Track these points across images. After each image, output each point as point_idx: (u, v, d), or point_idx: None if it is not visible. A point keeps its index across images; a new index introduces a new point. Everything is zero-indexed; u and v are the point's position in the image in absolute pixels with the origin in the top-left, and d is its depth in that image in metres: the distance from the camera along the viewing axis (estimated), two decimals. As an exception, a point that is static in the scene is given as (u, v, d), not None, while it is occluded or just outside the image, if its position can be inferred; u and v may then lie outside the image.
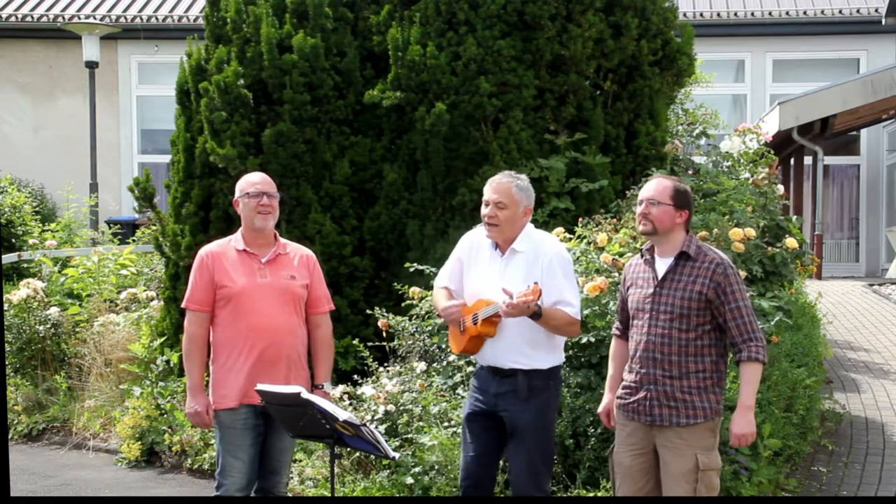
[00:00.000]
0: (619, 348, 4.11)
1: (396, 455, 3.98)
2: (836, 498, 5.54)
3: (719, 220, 6.02)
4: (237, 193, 4.34)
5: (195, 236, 6.95)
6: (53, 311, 8.17)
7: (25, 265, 10.35)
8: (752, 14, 16.49)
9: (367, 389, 5.75)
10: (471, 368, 5.53)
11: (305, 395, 3.79)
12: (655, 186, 3.91)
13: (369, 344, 6.21)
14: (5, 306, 7.99)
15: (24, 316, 8.06)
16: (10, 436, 7.39)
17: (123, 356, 7.57)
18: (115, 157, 16.59)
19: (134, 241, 11.02)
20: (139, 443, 6.72)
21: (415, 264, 6.24)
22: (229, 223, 6.62)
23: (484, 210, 4.09)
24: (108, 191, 15.05)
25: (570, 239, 5.96)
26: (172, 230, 7.19)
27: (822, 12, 16.42)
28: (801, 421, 6.04)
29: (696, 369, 3.81)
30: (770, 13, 16.47)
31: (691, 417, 3.78)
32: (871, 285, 13.73)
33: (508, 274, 4.04)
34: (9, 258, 10.28)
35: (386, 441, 4.13)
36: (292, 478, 5.62)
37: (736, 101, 17.13)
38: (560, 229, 5.92)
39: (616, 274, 5.31)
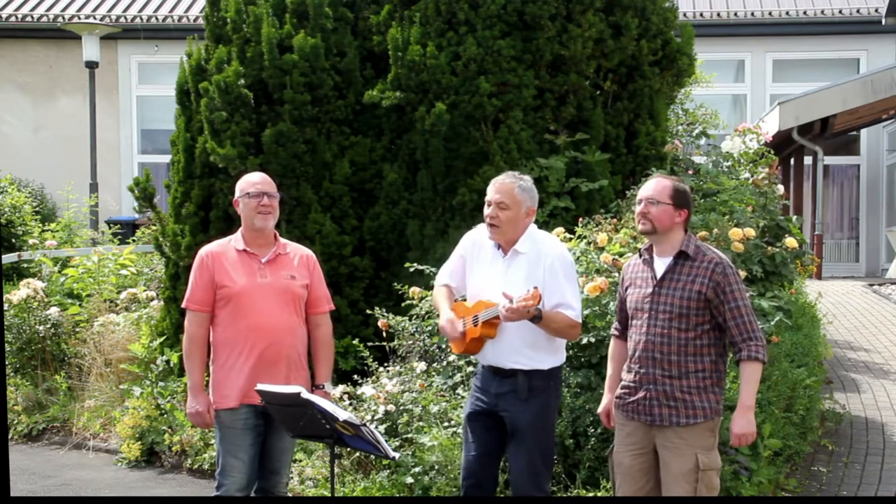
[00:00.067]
0: (618, 348, 4.11)
1: (396, 455, 3.98)
2: (836, 498, 5.54)
3: (719, 220, 6.02)
4: (237, 193, 4.34)
5: (195, 236, 6.95)
6: (53, 311, 8.17)
7: (25, 265, 10.35)
8: (752, 14, 16.49)
9: (367, 389, 5.75)
10: (471, 368, 5.54)
11: (305, 395, 3.79)
12: (654, 186, 3.91)
13: (369, 344, 6.21)
14: (5, 306, 7.99)
15: (24, 316, 8.06)
16: (10, 436, 7.39)
17: (123, 356, 7.58)
18: (115, 157, 16.60)
19: (134, 241, 11.02)
20: (139, 443, 6.72)
21: (415, 264, 6.24)
22: (229, 223, 6.62)
23: (486, 210, 4.09)
24: (108, 191, 15.04)
25: (570, 239, 5.95)
26: (172, 230, 7.19)
27: (822, 12, 16.42)
28: (801, 421, 6.04)
29: (696, 369, 3.81)
30: (770, 13, 16.48)
31: (691, 417, 3.78)
32: (871, 285, 13.74)
33: (510, 275, 4.04)
34: (9, 258, 10.28)
35: (386, 441, 4.13)
36: (292, 478, 5.62)
37: (736, 101, 17.13)
38: (560, 229, 5.92)
39: (616, 274, 5.31)
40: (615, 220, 6.28)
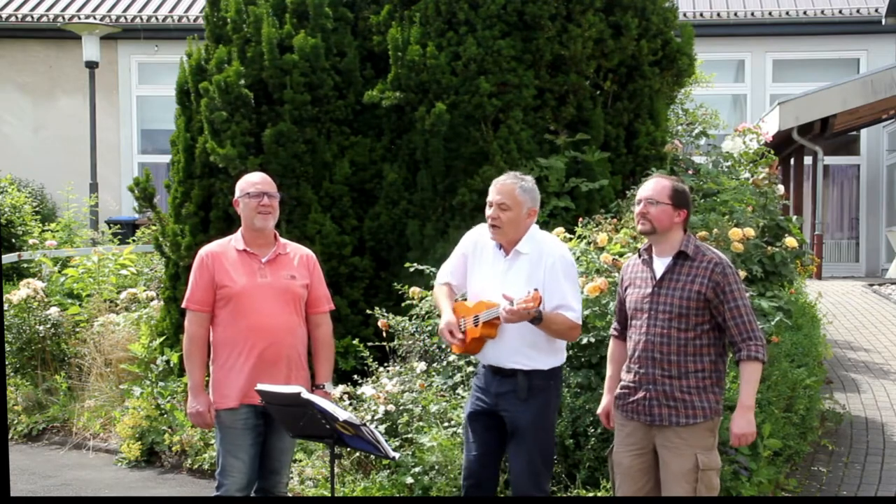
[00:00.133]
0: (618, 349, 4.11)
1: (396, 455, 3.98)
2: (836, 498, 5.54)
3: (719, 220, 6.02)
4: (237, 193, 4.34)
5: (195, 236, 6.95)
6: (53, 311, 8.17)
7: (25, 265, 10.35)
8: (752, 14, 16.49)
9: (367, 389, 5.75)
10: (471, 368, 5.54)
11: (305, 395, 3.79)
12: (654, 186, 3.91)
13: (369, 344, 6.21)
14: (5, 306, 7.99)
15: (24, 316, 8.06)
16: (10, 436, 7.39)
17: (123, 356, 7.58)
18: (115, 157, 16.60)
19: (134, 241, 11.02)
20: (139, 443, 6.72)
21: (415, 264, 6.24)
22: (229, 223, 6.62)
23: (488, 211, 4.09)
24: (108, 191, 15.05)
25: (570, 239, 5.95)
26: (172, 230, 7.19)
27: (822, 12, 16.42)
28: (801, 421, 6.04)
29: (696, 369, 3.81)
30: (770, 13, 16.48)
31: (691, 417, 3.78)
32: (871, 285, 13.74)
33: (511, 276, 4.04)
34: (9, 258, 10.28)
35: (386, 441, 4.13)
36: (292, 478, 5.62)
37: (736, 101, 17.13)
38: (560, 229, 5.92)
39: (616, 274, 5.31)
40: (615, 220, 6.28)
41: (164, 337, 7.30)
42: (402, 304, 6.19)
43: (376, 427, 5.27)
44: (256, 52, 6.88)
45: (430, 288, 5.97)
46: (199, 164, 7.06)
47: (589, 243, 5.88)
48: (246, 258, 4.28)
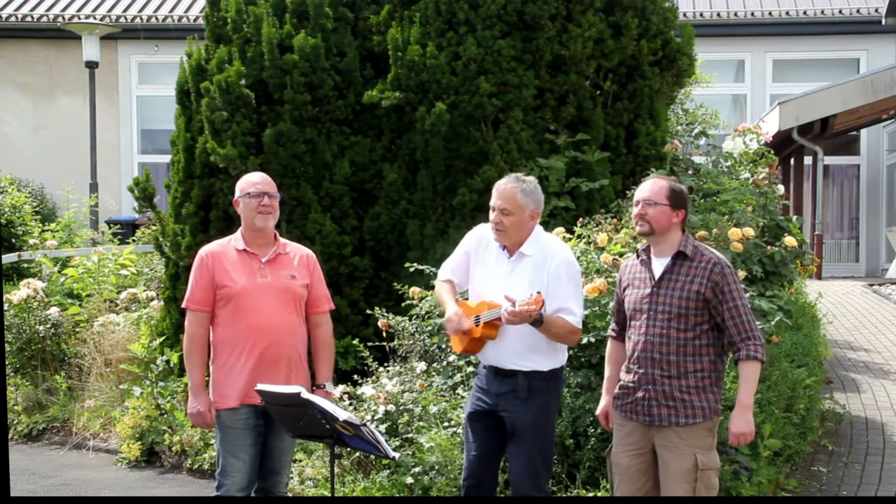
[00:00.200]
0: (616, 350, 4.11)
1: (396, 455, 3.98)
2: (836, 498, 5.54)
3: (719, 220, 6.02)
4: (237, 193, 4.34)
5: (195, 236, 6.94)
6: (53, 311, 8.17)
7: (25, 265, 10.35)
8: (752, 14, 16.49)
9: (367, 389, 5.75)
10: (471, 368, 5.54)
11: (305, 395, 3.79)
12: (651, 187, 3.90)
13: (369, 344, 6.21)
14: (5, 306, 7.99)
15: (24, 316, 8.06)
16: (10, 436, 7.39)
17: (123, 356, 7.57)
18: (115, 157, 16.60)
19: (134, 241, 11.02)
20: (139, 443, 6.72)
21: (415, 264, 6.24)
22: (229, 223, 6.61)
23: (491, 215, 4.08)
24: (108, 191, 15.05)
25: (570, 238, 5.95)
26: (172, 230, 7.19)
27: (822, 12, 16.42)
28: (801, 421, 6.04)
29: (695, 369, 3.81)
30: (770, 13, 16.48)
31: (690, 417, 3.78)
32: (871, 285, 13.74)
33: (515, 277, 4.03)
34: (9, 258, 10.27)
35: (386, 441, 4.13)
36: (292, 478, 5.62)
37: (736, 101, 17.13)
38: (560, 229, 5.92)
39: (616, 274, 5.31)
40: (615, 220, 6.28)
41: (164, 337, 7.30)
42: (402, 304, 6.19)
43: (376, 427, 5.27)
44: (256, 52, 6.88)
45: (430, 288, 5.98)
46: (199, 164, 7.05)
47: (589, 243, 5.88)
48: (246, 258, 4.27)
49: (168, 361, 7.09)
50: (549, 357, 4.07)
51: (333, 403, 3.94)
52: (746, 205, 6.50)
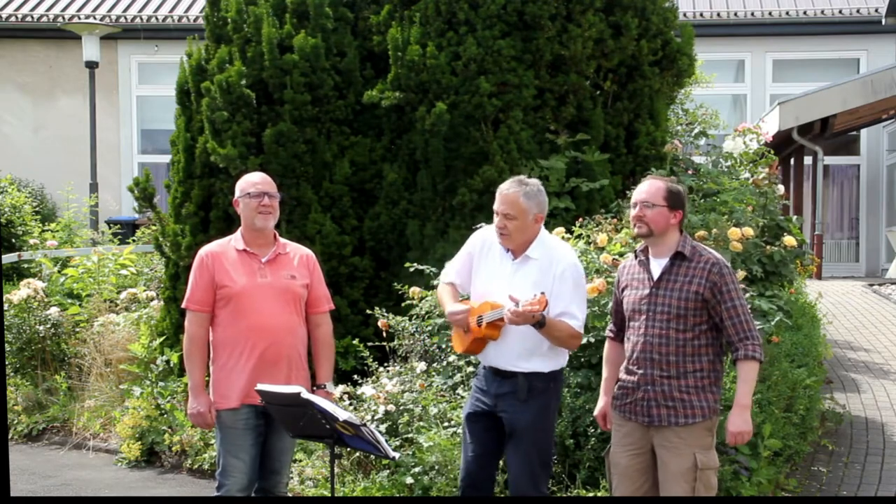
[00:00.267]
0: (614, 350, 4.11)
1: (396, 455, 3.98)
2: (836, 498, 5.54)
3: (719, 220, 6.02)
4: (237, 193, 4.33)
5: (195, 236, 6.95)
6: (53, 311, 8.18)
7: (25, 265, 10.35)
8: (752, 14, 16.50)
9: (367, 389, 5.75)
10: (471, 368, 5.54)
11: (305, 395, 3.79)
12: (648, 188, 3.89)
13: (369, 344, 6.21)
14: (5, 306, 7.99)
15: (24, 316, 8.06)
16: (10, 436, 7.39)
17: (123, 356, 7.58)
18: (115, 157, 16.60)
19: (134, 241, 11.02)
20: (139, 443, 6.72)
21: (415, 264, 6.24)
22: (229, 223, 6.62)
23: (494, 219, 4.07)
24: (108, 191, 15.05)
25: (569, 238, 5.95)
26: (172, 230, 7.19)
27: (822, 12, 16.42)
28: (801, 421, 6.04)
29: (694, 369, 3.81)
30: (770, 13, 16.48)
31: (689, 417, 3.78)
32: (871, 285, 13.74)
33: (519, 279, 4.02)
34: (9, 258, 10.28)
35: (386, 441, 4.13)
36: (292, 478, 5.62)
37: (736, 101, 17.13)
38: (560, 229, 5.91)
39: (615, 274, 5.31)
40: (615, 220, 6.28)
41: (164, 337, 7.30)
42: (402, 304, 6.19)
43: (376, 427, 5.27)
44: (256, 52, 6.89)
45: (430, 288, 5.98)
46: (199, 164, 7.06)
47: (588, 243, 5.88)
48: (246, 258, 4.27)
49: (168, 361, 7.09)
50: (550, 358, 4.06)
51: (333, 403, 3.94)
52: (746, 205, 6.50)
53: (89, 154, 13.71)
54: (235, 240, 4.33)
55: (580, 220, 6.28)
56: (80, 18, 15.77)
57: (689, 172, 7.15)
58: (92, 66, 13.41)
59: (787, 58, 16.86)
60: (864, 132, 16.91)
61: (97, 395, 7.53)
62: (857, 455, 6.28)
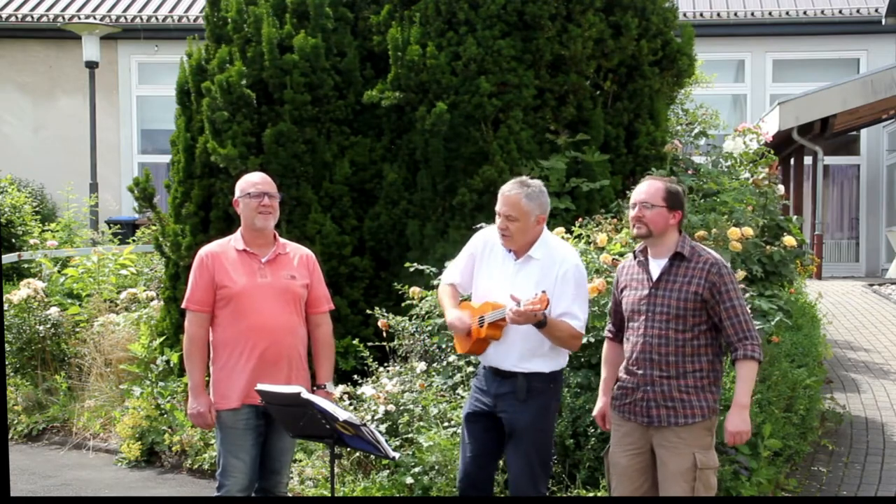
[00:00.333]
0: (612, 350, 4.11)
1: (396, 455, 3.98)
2: (836, 498, 5.54)
3: (719, 220, 6.01)
4: (237, 193, 4.33)
5: (195, 236, 6.95)
6: (53, 311, 8.18)
7: (25, 265, 10.35)
8: (752, 14, 16.50)
9: (367, 389, 5.75)
10: (471, 369, 5.54)
11: (305, 395, 3.79)
12: (647, 189, 3.89)
13: (369, 344, 6.21)
14: (5, 306, 7.99)
15: (24, 316, 8.06)
16: (10, 436, 7.39)
17: (123, 356, 7.58)
18: (115, 157, 16.60)
19: (134, 241, 11.02)
20: (139, 443, 6.72)
21: (415, 264, 6.24)
22: (229, 223, 6.62)
23: (496, 220, 4.07)
24: (108, 191, 15.05)
25: (569, 238, 5.95)
26: (172, 230, 7.19)
27: (822, 12, 16.42)
28: (801, 421, 6.05)
29: (694, 369, 3.81)
30: (770, 13, 16.48)
31: (689, 417, 3.78)
32: (871, 285, 13.74)
33: (521, 279, 4.02)
34: (9, 258, 10.28)
35: (386, 441, 4.13)
36: (292, 478, 5.62)
37: (736, 101, 17.13)
38: (560, 229, 5.91)
39: (615, 274, 5.31)
40: (615, 220, 6.28)
41: (164, 337, 7.30)
42: (402, 304, 6.19)
43: (376, 427, 5.27)
44: (256, 52, 6.89)
45: (430, 288, 5.98)
46: (199, 164, 7.06)
47: (588, 243, 5.88)
48: (246, 258, 4.27)
49: (168, 361, 7.09)
50: (551, 358, 4.06)
51: (333, 403, 3.94)
52: (746, 205, 6.50)
53: (89, 154, 13.71)
54: (235, 240, 4.33)
55: (580, 220, 6.28)
56: (80, 18, 15.77)
57: (689, 172, 7.15)
58: (92, 66, 13.41)
59: (787, 58, 16.86)
60: (864, 132, 16.91)
61: (97, 395, 7.53)
62: (857, 455, 6.28)
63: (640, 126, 7.19)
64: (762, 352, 3.81)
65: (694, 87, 9.89)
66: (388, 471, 5.37)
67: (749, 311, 3.92)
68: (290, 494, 5.10)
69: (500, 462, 4.58)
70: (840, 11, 16.38)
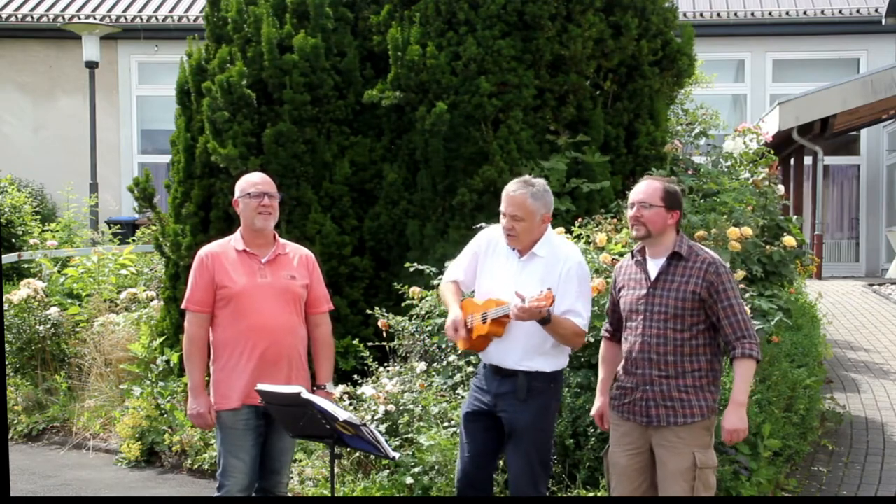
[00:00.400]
0: (610, 350, 4.11)
1: (396, 455, 3.98)
2: (836, 498, 5.54)
3: (718, 220, 6.01)
4: (237, 193, 4.33)
5: (195, 236, 6.95)
6: (53, 311, 8.18)
7: (25, 265, 10.36)
8: (752, 14, 16.50)
9: (367, 389, 5.75)
10: (471, 368, 5.54)
11: (305, 395, 3.79)
12: (645, 189, 3.89)
13: (369, 344, 6.22)
14: (5, 306, 7.99)
15: (24, 316, 8.06)
16: (10, 436, 7.39)
17: (123, 356, 7.58)
18: (115, 157, 16.60)
19: (134, 241, 11.02)
20: (139, 443, 6.72)
21: (415, 264, 6.24)
22: (229, 223, 6.62)
23: (501, 220, 4.07)
24: (108, 191, 15.05)
25: (569, 238, 5.94)
26: (173, 230, 7.19)
27: (822, 12, 16.43)
28: (801, 421, 6.05)
29: (692, 368, 3.81)
30: (770, 13, 16.48)
31: (688, 416, 3.79)
32: (871, 285, 13.74)
33: (525, 276, 4.02)
34: (9, 258, 10.28)
35: (386, 441, 4.13)
36: (292, 478, 5.62)
37: (736, 101, 17.13)
38: (560, 229, 5.91)
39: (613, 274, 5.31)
40: (615, 220, 6.28)
41: (164, 337, 7.30)
42: (402, 304, 6.19)
43: (376, 427, 5.27)
44: (256, 52, 6.89)
45: (430, 288, 5.98)
46: (200, 164, 7.06)
47: (588, 243, 5.88)
48: (246, 258, 4.27)
49: (168, 361, 7.09)
50: (552, 357, 4.06)
51: (333, 403, 3.94)
52: (746, 205, 6.50)
53: (89, 154, 13.72)
54: (235, 240, 4.33)
55: (580, 220, 6.28)
56: (80, 18, 15.77)
57: (689, 172, 7.15)
58: (92, 66, 13.41)
59: (787, 58, 16.86)
60: (864, 132, 16.92)
61: (97, 395, 7.53)
62: (857, 455, 6.29)
63: (640, 126, 7.19)
64: (760, 351, 3.81)
65: (694, 87, 9.89)
66: (388, 471, 5.37)
67: (747, 310, 3.92)
68: (290, 494, 5.10)
69: (500, 462, 4.58)
70: (840, 11, 16.39)
